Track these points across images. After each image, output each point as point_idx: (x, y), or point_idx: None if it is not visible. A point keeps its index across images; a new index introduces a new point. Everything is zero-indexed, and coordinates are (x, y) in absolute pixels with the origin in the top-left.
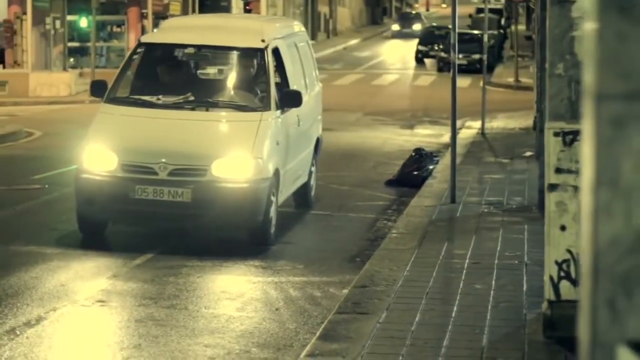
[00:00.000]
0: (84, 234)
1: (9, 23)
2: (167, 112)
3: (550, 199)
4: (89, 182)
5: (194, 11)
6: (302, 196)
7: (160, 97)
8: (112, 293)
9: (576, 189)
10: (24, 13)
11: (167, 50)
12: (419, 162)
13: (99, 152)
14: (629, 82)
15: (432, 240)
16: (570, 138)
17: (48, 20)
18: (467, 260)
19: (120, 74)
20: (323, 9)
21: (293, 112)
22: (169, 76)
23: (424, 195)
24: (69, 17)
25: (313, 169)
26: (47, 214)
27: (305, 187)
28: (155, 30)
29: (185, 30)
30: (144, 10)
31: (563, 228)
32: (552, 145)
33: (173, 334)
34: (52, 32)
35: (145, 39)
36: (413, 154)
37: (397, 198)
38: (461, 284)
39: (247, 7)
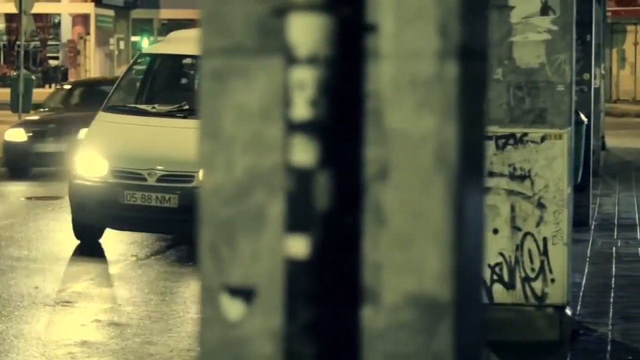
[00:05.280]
0: (80, 240)
1: (73, 43)
2: (159, 120)
3: None
4: (81, 188)
5: None
6: None
7: (155, 105)
8: (82, 295)
9: (508, 192)
10: (87, 33)
11: (166, 60)
12: None
13: (91, 159)
14: (227, 37)
15: None
16: (503, 142)
17: (112, 40)
18: None
19: (119, 83)
20: None
21: None
22: (167, 85)
23: None
24: (133, 38)
25: None
26: (56, 222)
27: None
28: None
29: (187, 41)
30: None
31: (495, 231)
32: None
33: (124, 333)
34: (116, 52)
35: (146, 50)
36: None
37: None
38: None
39: None
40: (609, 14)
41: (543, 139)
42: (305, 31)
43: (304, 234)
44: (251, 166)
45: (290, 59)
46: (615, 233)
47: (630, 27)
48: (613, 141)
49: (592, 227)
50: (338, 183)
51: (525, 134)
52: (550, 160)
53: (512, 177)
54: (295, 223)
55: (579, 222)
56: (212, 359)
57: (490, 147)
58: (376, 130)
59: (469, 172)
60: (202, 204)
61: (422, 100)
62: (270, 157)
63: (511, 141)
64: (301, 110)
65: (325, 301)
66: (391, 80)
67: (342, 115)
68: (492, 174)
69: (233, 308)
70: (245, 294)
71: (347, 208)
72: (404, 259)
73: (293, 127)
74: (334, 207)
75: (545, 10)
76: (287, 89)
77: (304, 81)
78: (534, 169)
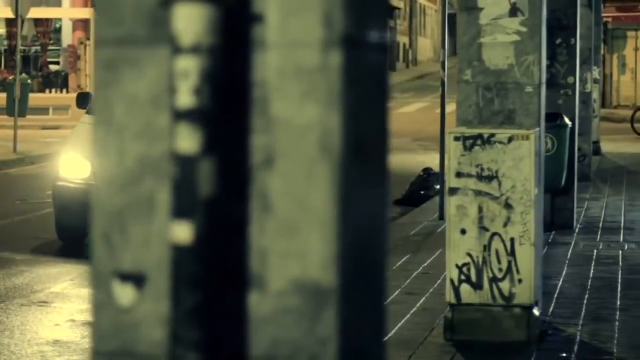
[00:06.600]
0: (63, 242)
1: (73, 48)
2: None
3: (451, 202)
4: (64, 190)
5: None
6: None
7: None
8: (59, 295)
9: (476, 192)
10: (88, 38)
11: None
12: (426, 182)
13: (74, 160)
14: (118, 27)
15: (396, 252)
16: (470, 142)
17: None
18: (418, 270)
19: None
20: (402, 39)
21: None
22: None
23: (419, 212)
24: None
25: None
26: (40, 224)
27: None
28: None
29: None
30: None
31: (463, 232)
32: (453, 149)
33: None
34: None
35: None
36: (421, 173)
37: (398, 216)
38: (397, 291)
39: None
40: (610, 19)
41: (510, 139)
42: (189, 21)
43: (189, 220)
44: (141, 154)
45: (175, 48)
46: (599, 236)
47: (630, 33)
48: (609, 146)
49: (576, 230)
50: (223, 170)
51: (493, 135)
52: (517, 160)
53: (480, 177)
54: (180, 209)
55: (563, 225)
56: (104, 344)
57: (458, 147)
58: (262, 118)
59: (357, 161)
60: (95, 192)
61: (306, 89)
62: (160, 145)
63: (479, 142)
64: (185, 98)
65: (211, 287)
66: (276, 70)
67: (226, 104)
68: (459, 175)
69: (124, 293)
70: (135, 279)
71: (232, 195)
72: (289, 246)
73: (178, 115)
74: (219, 193)
75: (514, 11)
76: (172, 77)
77: (188, 70)
78: (501, 170)
